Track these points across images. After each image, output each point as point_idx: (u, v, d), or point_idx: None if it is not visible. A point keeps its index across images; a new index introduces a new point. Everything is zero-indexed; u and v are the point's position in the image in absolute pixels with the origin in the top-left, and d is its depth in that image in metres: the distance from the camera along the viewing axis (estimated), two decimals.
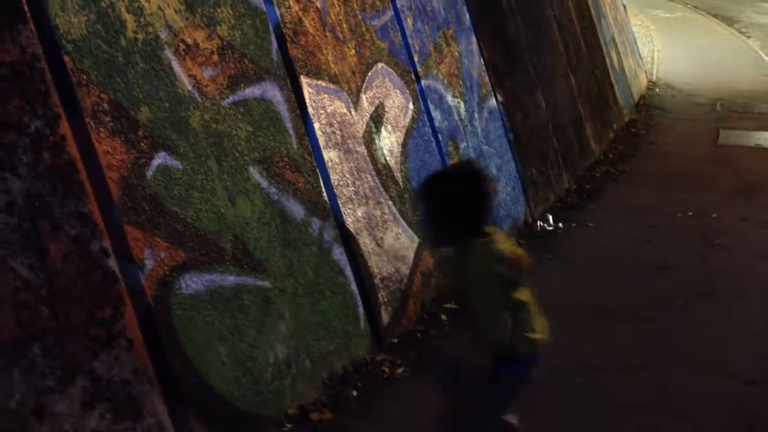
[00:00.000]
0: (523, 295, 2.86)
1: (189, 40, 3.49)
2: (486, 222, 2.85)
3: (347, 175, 4.40)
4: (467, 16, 6.47)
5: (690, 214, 7.19)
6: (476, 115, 6.22)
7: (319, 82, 4.33)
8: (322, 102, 4.32)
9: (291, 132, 4.02)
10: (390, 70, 5.11)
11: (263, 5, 4.02)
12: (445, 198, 2.82)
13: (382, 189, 4.69)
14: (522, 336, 2.84)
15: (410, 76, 5.36)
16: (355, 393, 3.93)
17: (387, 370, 4.15)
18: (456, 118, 5.87)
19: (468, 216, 2.80)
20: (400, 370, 4.16)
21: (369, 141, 4.69)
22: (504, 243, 2.90)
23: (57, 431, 2.60)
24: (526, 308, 2.88)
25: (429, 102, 5.51)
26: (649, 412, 3.83)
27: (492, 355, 2.87)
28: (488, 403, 2.98)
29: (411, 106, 5.28)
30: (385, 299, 4.47)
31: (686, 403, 3.90)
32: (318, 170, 4.17)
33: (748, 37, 21.04)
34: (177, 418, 3.07)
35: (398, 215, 4.80)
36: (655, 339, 4.61)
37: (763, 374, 4.20)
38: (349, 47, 4.68)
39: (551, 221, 6.81)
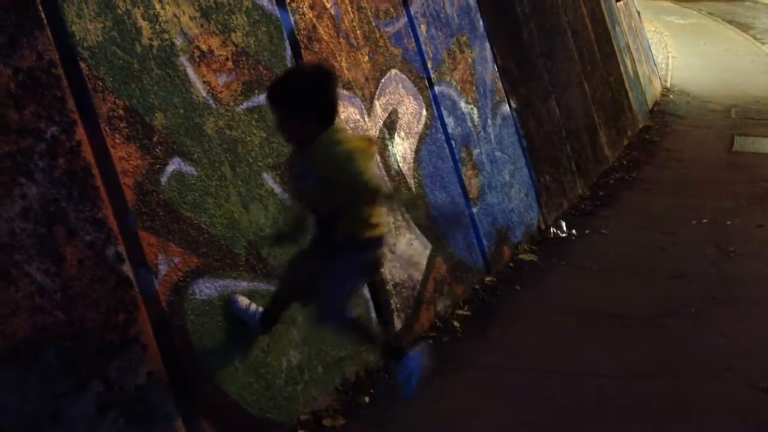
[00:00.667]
0: (370, 181, 2.90)
1: (204, 47, 3.51)
2: (332, 119, 2.96)
3: None
4: (481, 22, 6.48)
5: (705, 221, 7.16)
6: (489, 121, 6.21)
7: None
8: None
9: None
10: (403, 76, 5.12)
11: (277, 12, 4.04)
12: (290, 98, 2.92)
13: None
14: (367, 224, 3.05)
15: (423, 83, 5.36)
16: (367, 399, 3.93)
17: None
18: (469, 124, 5.87)
19: (313, 113, 2.90)
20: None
21: (382, 147, 4.69)
22: (352, 137, 3.12)
23: None
24: (372, 198, 3.01)
25: (442, 108, 5.51)
26: (663, 421, 3.80)
27: (339, 243, 3.06)
28: (335, 287, 3.18)
29: (424, 112, 5.28)
30: (398, 305, 4.46)
31: (701, 412, 3.88)
32: None
33: (763, 44, 20.95)
34: (190, 423, 3.08)
35: (411, 222, 4.79)
36: (668, 347, 4.59)
37: None
38: (362, 54, 4.69)
39: (564, 228, 6.79)
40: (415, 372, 3.34)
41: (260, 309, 3.43)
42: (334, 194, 2.94)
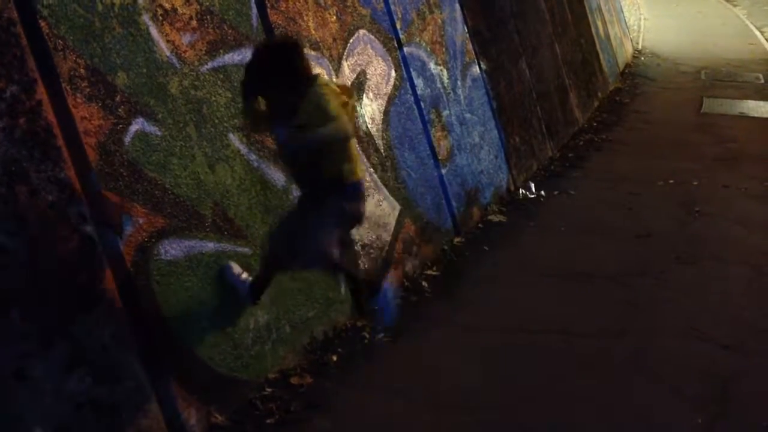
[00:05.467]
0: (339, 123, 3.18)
1: (167, 5, 3.46)
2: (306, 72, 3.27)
3: None
4: None
5: (671, 182, 7.24)
6: (459, 82, 6.21)
7: None
8: None
9: None
10: (372, 37, 5.09)
11: None
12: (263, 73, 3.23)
13: (363, 156, 4.69)
14: (350, 169, 3.35)
15: (392, 44, 5.33)
16: (335, 358, 3.97)
17: (367, 335, 4.19)
18: (439, 85, 5.87)
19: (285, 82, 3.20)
20: (380, 336, 4.19)
21: None
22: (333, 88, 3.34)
23: (37, 394, 2.63)
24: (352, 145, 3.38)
25: (411, 69, 5.50)
26: (626, 376, 3.89)
27: (324, 185, 3.33)
28: (321, 232, 3.37)
29: (393, 73, 5.27)
30: (366, 266, 4.49)
31: (663, 368, 3.96)
32: None
33: (735, 6, 21.03)
34: (157, 382, 3.11)
35: (379, 182, 4.81)
36: (633, 305, 4.67)
37: (737, 339, 4.26)
38: (330, 13, 4.66)
39: (534, 189, 6.84)
40: (391, 300, 3.68)
41: (249, 278, 3.54)
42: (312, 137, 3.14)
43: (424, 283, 4.89)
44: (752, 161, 8.13)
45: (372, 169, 4.75)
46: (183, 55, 3.51)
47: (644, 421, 3.53)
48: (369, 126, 4.83)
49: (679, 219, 6.27)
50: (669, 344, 4.21)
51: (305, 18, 4.41)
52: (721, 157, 8.21)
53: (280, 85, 3.21)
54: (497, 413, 3.53)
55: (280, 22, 4.18)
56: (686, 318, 4.51)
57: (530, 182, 6.98)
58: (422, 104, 5.53)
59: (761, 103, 10.90)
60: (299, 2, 4.38)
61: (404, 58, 5.44)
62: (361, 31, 4.97)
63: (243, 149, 3.76)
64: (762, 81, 12.45)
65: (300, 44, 3.42)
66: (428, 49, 5.82)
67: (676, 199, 6.77)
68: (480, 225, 5.96)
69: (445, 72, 6.02)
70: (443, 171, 5.63)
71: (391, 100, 5.16)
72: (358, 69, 4.86)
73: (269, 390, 3.62)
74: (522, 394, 3.69)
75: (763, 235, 5.97)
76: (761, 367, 4.02)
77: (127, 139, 3.15)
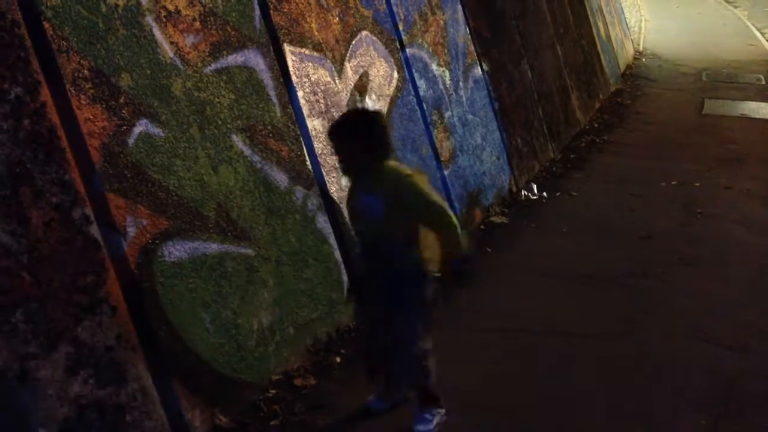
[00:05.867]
0: (444, 208, 3.20)
1: (170, 7, 3.47)
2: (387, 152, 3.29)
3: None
4: None
5: (674, 183, 7.24)
6: (461, 84, 6.21)
7: (303, 50, 4.32)
8: (306, 70, 4.31)
9: (274, 100, 4.02)
10: (374, 38, 5.09)
11: None
12: (350, 137, 3.21)
13: None
14: (428, 259, 3.23)
15: (395, 45, 5.34)
16: (338, 360, 3.97)
17: None
18: (441, 87, 5.87)
19: (372, 145, 3.19)
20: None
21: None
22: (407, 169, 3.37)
23: (40, 396, 2.63)
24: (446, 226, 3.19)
25: (414, 71, 5.50)
26: (627, 376, 3.88)
27: (404, 276, 3.21)
28: (407, 325, 3.27)
29: (395, 74, 5.27)
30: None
31: (665, 368, 3.97)
32: (302, 139, 4.18)
33: (736, 7, 21.04)
34: (161, 384, 3.10)
35: None
36: (635, 306, 4.67)
37: (740, 340, 4.27)
38: (333, 15, 4.66)
39: (535, 190, 6.84)
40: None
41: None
42: (401, 223, 3.14)
43: None
44: (754, 162, 8.14)
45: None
46: (186, 56, 3.51)
47: (646, 420, 3.53)
48: None
49: (681, 220, 6.27)
50: (671, 345, 4.21)
51: (308, 19, 4.41)
52: (722, 159, 8.21)
53: (368, 145, 3.20)
54: (497, 414, 3.53)
55: (283, 23, 4.18)
56: (688, 319, 4.51)
57: (532, 183, 6.98)
58: (424, 105, 5.53)
59: (762, 104, 10.91)
60: (302, 4, 4.38)
61: (406, 59, 5.45)
62: (364, 33, 4.97)
63: (246, 151, 3.76)
64: (763, 82, 12.47)
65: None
66: (430, 50, 5.82)
67: (678, 200, 6.77)
68: (482, 226, 5.96)
69: (447, 73, 6.02)
70: (446, 172, 5.63)
71: (393, 102, 5.17)
72: (361, 70, 4.86)
73: (273, 391, 3.62)
74: (523, 395, 3.69)
75: (765, 236, 5.97)
76: (763, 367, 4.02)
77: (131, 141, 3.15)
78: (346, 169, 3.33)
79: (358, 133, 3.19)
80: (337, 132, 3.29)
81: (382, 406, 3.53)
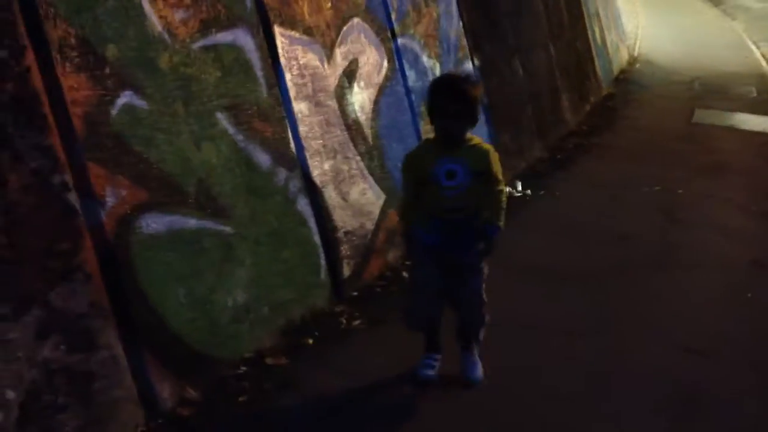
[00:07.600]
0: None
1: None
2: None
3: (316, 128, 4.43)
4: None
5: (657, 188, 7.30)
6: None
7: (293, 33, 4.34)
8: (295, 53, 4.33)
9: (261, 81, 4.04)
10: (366, 26, 5.11)
11: None
12: (465, 103, 3.36)
13: (350, 144, 4.72)
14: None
15: (386, 34, 5.36)
16: (311, 341, 4.00)
17: (344, 321, 4.23)
18: (430, 78, 5.89)
19: (475, 119, 3.43)
20: (356, 322, 4.23)
21: (340, 96, 4.71)
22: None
23: (9, 358, 2.65)
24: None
25: (404, 61, 5.53)
26: (591, 377, 3.91)
27: (475, 235, 3.57)
28: (482, 275, 3.71)
29: (385, 63, 5.29)
30: (348, 253, 4.53)
31: (629, 370, 3.98)
32: (287, 121, 4.19)
33: (733, 20, 21.13)
34: (132, 354, 3.13)
35: (366, 171, 4.84)
36: (607, 306, 4.71)
37: (708, 345, 4.30)
38: (325, 0, 4.68)
39: (520, 188, 6.88)
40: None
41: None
42: (479, 189, 3.46)
43: (405, 273, 4.91)
44: (738, 172, 8.21)
45: (359, 158, 4.78)
46: (175, 31, 3.52)
47: (608, 421, 3.55)
48: (358, 115, 4.86)
49: (660, 225, 6.33)
50: (638, 347, 4.24)
51: (299, 2, 4.43)
52: (707, 167, 8.27)
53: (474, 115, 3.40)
54: (467, 407, 3.57)
55: (274, 5, 4.20)
56: (659, 322, 4.55)
57: (517, 180, 7.01)
58: (413, 96, 5.56)
59: (752, 116, 10.98)
60: None
61: (397, 49, 5.47)
62: (356, 20, 4.99)
63: (230, 129, 3.78)
64: (754, 94, 12.55)
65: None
66: (422, 42, 5.85)
67: (660, 205, 6.83)
68: None
69: (437, 66, 6.04)
70: None
71: (381, 90, 5.19)
72: (351, 57, 4.88)
73: (243, 369, 3.65)
74: (492, 385, 3.72)
75: (741, 245, 6.04)
76: (730, 373, 4.07)
77: (114, 111, 3.16)
78: (450, 133, 3.40)
79: (472, 100, 3.36)
80: (458, 94, 3.35)
81: (432, 374, 3.72)
